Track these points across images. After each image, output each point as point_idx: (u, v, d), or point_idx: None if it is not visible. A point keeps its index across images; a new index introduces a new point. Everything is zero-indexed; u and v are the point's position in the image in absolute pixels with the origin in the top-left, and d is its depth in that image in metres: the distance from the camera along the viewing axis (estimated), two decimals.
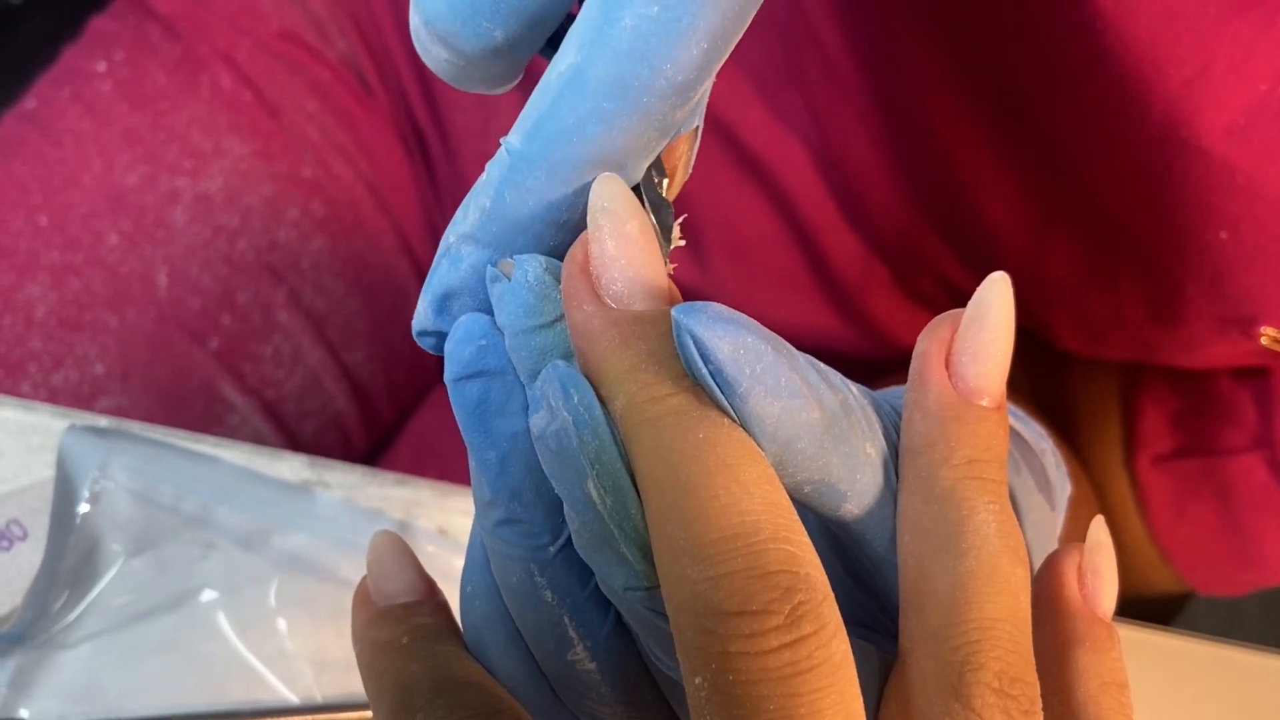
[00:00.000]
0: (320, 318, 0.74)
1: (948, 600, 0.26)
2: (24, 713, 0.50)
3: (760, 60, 0.61)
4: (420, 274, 0.78)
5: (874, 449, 0.28)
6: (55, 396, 0.68)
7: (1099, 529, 0.30)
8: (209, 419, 0.71)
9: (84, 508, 0.52)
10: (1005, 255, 0.60)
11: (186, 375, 0.71)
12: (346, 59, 0.75)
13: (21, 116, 0.72)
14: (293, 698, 0.52)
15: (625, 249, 0.27)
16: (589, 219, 0.27)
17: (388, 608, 0.32)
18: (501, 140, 0.28)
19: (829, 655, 0.24)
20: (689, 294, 0.70)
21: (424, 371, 0.80)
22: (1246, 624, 1.34)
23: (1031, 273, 0.60)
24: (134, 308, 0.70)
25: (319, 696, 0.52)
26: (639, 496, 0.26)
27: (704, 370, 0.26)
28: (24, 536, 0.52)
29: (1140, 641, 0.54)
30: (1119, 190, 0.53)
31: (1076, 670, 0.28)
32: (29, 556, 0.52)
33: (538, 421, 0.27)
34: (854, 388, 0.28)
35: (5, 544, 0.52)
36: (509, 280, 0.28)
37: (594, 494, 0.26)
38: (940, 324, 0.29)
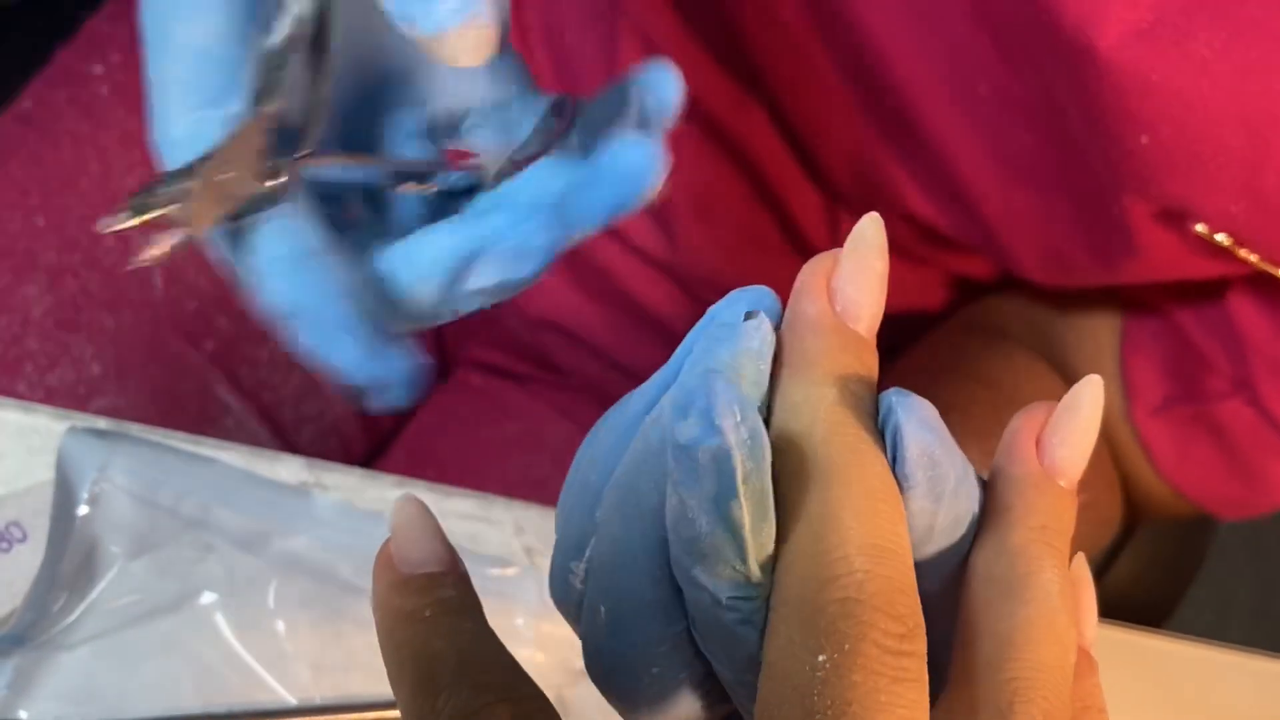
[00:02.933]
0: None
1: (1006, 639, 0.28)
2: (23, 714, 0.50)
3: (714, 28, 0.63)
4: None
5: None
6: (51, 396, 0.69)
7: (1080, 565, 0.32)
8: (204, 421, 0.71)
9: (83, 509, 0.52)
10: (963, 183, 0.61)
11: (182, 377, 0.71)
12: None
13: (18, 118, 0.72)
14: (291, 699, 0.53)
15: (868, 280, 0.30)
16: (850, 240, 0.30)
17: (411, 576, 0.32)
18: None
19: (924, 677, 0.26)
20: (660, 267, 0.72)
21: None
22: (1235, 626, 1.36)
23: (988, 202, 0.61)
24: (130, 309, 0.70)
25: (317, 698, 0.53)
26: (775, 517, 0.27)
27: (889, 455, 0.28)
28: (23, 538, 0.52)
29: (1130, 643, 0.54)
30: (1042, 102, 0.54)
31: None
32: (29, 558, 0.52)
33: (686, 429, 0.27)
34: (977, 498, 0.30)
35: (5, 546, 0.52)
36: (756, 329, 0.29)
37: (736, 513, 0.27)
38: (1035, 408, 0.31)
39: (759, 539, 0.27)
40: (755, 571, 0.27)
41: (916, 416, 0.29)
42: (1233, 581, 1.36)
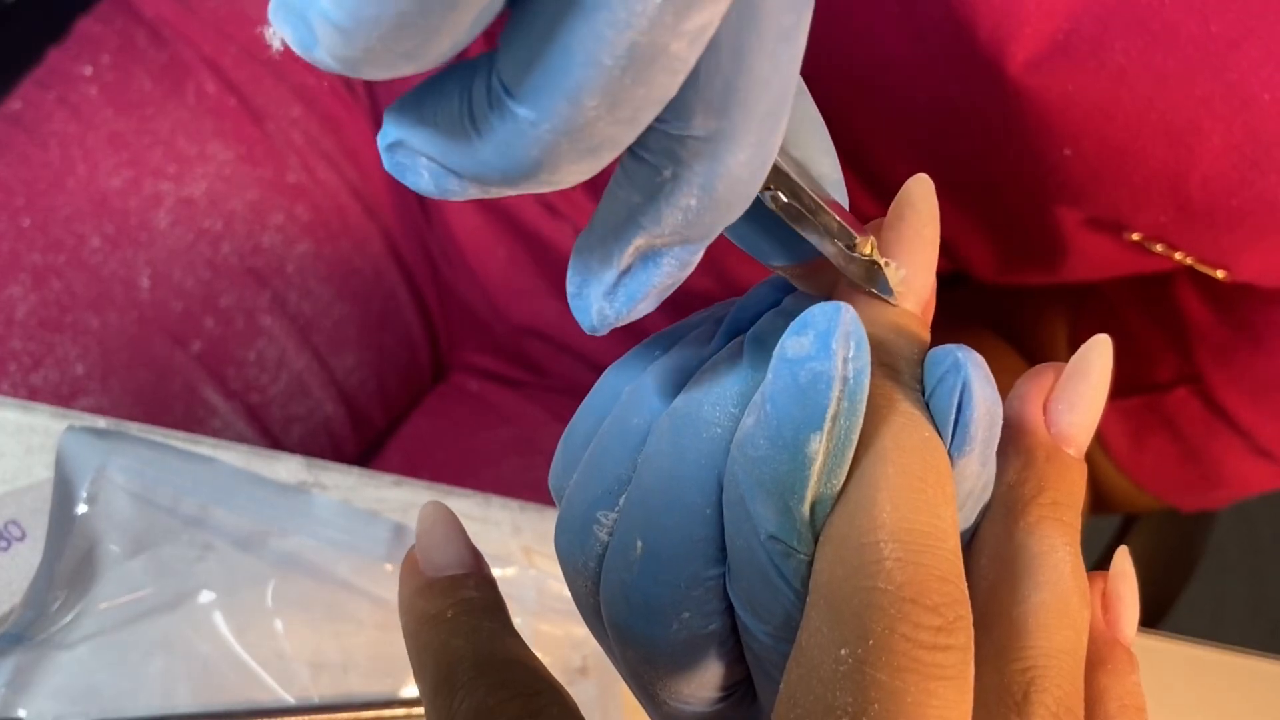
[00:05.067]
0: (306, 323, 0.74)
1: (1019, 625, 0.27)
2: (22, 713, 0.50)
3: None
4: (410, 282, 0.78)
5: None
6: (34, 396, 0.68)
7: (1122, 558, 0.31)
8: (191, 421, 0.71)
9: (82, 508, 0.52)
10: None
11: (167, 377, 0.71)
12: None
13: (6, 118, 0.72)
14: (289, 698, 0.53)
15: (916, 251, 0.29)
16: (895, 206, 0.29)
17: (434, 579, 0.32)
18: (670, 131, 0.25)
19: (966, 673, 0.24)
20: None
21: (417, 377, 0.81)
22: (1230, 626, 1.37)
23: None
24: (115, 309, 0.70)
25: (315, 697, 0.53)
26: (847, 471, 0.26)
27: (953, 414, 0.27)
28: (22, 537, 0.52)
29: None
30: (969, 114, 0.54)
31: (1097, 691, 0.29)
32: (27, 557, 0.52)
33: (798, 345, 0.26)
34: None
35: (3, 544, 0.52)
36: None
37: (813, 445, 0.26)
38: (1043, 371, 0.30)
39: (823, 486, 0.26)
40: (806, 515, 0.26)
41: (983, 373, 0.27)
42: (1228, 582, 1.37)
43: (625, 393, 0.30)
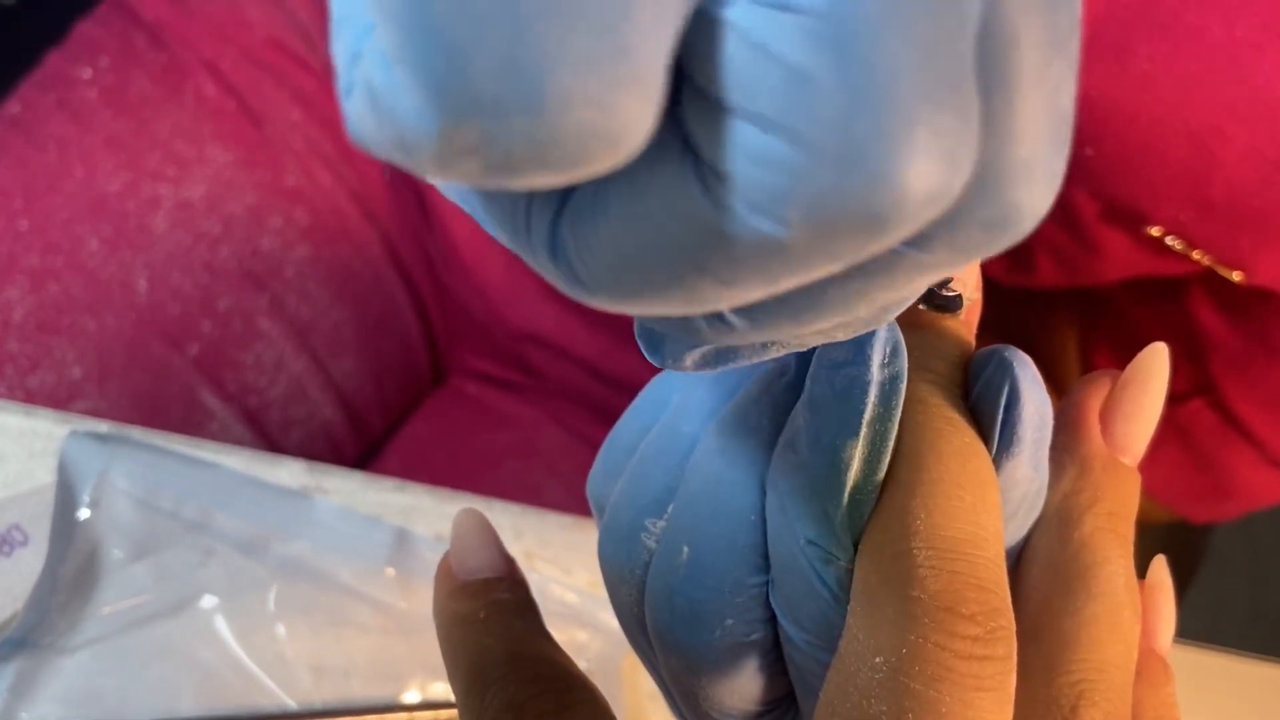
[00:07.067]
0: (304, 326, 0.74)
1: (1071, 637, 0.27)
2: (24, 717, 0.50)
3: None
4: (409, 285, 0.78)
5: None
6: (31, 399, 0.68)
7: (1159, 568, 0.31)
8: (188, 425, 0.71)
9: (84, 513, 0.52)
10: None
11: (165, 380, 0.71)
12: (332, 68, 0.76)
13: (5, 120, 0.72)
14: (291, 703, 0.53)
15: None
16: None
17: (468, 582, 0.33)
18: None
19: (1005, 684, 0.24)
20: None
21: (416, 381, 0.81)
22: (1230, 630, 1.38)
23: None
24: (113, 312, 0.70)
25: (317, 702, 0.53)
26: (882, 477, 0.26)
27: (999, 416, 0.27)
28: (25, 542, 0.52)
29: None
30: None
31: (1133, 701, 0.29)
32: (30, 562, 0.52)
33: (836, 351, 0.26)
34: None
35: (6, 549, 0.52)
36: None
37: (849, 451, 0.26)
38: (1099, 378, 0.30)
39: (859, 492, 0.26)
40: (843, 521, 0.26)
41: (1031, 374, 0.27)
42: (1228, 586, 1.37)
43: (674, 402, 0.30)
